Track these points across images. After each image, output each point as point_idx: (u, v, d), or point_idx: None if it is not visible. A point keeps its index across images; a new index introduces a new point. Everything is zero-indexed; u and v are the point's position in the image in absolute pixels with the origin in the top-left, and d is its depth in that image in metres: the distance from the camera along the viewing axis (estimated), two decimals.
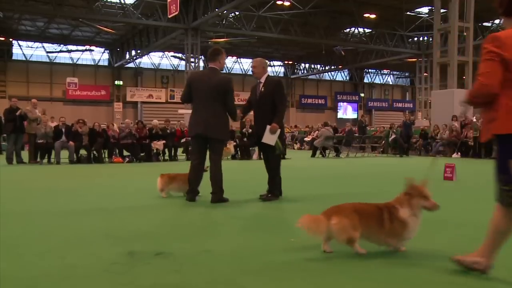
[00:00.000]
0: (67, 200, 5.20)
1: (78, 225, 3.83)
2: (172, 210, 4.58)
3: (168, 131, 13.29)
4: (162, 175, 5.43)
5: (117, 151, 12.46)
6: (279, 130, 4.97)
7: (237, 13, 24.81)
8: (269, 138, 4.99)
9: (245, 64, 38.13)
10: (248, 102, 5.33)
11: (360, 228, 2.76)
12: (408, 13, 26.33)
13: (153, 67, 35.41)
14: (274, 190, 5.09)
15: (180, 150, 13.59)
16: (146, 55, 33.37)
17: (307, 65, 40.27)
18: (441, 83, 18.50)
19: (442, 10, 18.53)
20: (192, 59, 24.75)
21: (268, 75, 5.18)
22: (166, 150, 13.11)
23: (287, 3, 24.35)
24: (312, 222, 2.76)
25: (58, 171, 9.31)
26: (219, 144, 4.96)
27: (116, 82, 34.00)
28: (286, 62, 40.34)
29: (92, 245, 3.13)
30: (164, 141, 12.86)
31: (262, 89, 5.09)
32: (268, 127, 4.98)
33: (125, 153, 12.53)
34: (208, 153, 4.98)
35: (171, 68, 35.86)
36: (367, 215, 2.80)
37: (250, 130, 13.66)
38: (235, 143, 13.69)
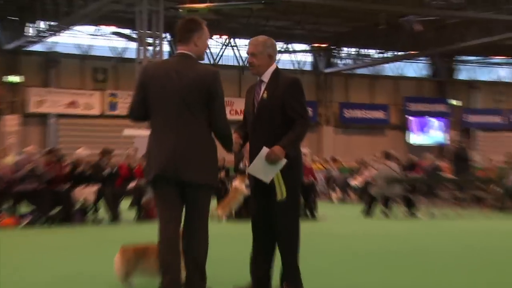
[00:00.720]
0: None
1: None
2: None
3: (105, 169, 13.45)
4: (124, 250, 5.62)
5: (11, 203, 12.59)
6: (284, 161, 5.16)
7: None
8: (262, 169, 5.20)
9: (244, 50, 38.57)
10: (244, 118, 5.61)
11: None
12: None
13: (78, 52, 35.86)
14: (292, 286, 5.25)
15: (125, 202, 13.72)
16: (65, 31, 33.62)
17: (352, 51, 40.83)
18: None
19: None
20: (150, 39, 25.21)
21: (278, 68, 5.41)
22: (101, 202, 13.24)
23: None
24: None
25: None
26: (203, 192, 5.08)
27: (9, 78, 34.24)
28: (316, 45, 40.94)
29: None
30: (96, 187, 13.00)
31: (265, 94, 5.36)
32: (264, 150, 5.18)
33: (25, 207, 12.81)
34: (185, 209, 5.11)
35: (112, 55, 36.30)
36: None
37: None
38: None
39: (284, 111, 5.24)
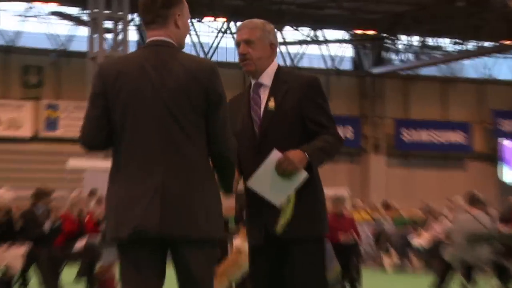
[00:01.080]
0: None
1: None
2: None
3: (40, 221, 13.41)
4: None
5: None
6: (304, 174, 5.15)
7: None
8: (270, 183, 5.24)
9: None
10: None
11: None
12: None
13: (2, 43, 36.23)
14: None
15: (70, 271, 13.74)
16: None
17: (415, 41, 41.05)
18: None
19: None
20: (108, 23, 25.19)
21: (280, 66, 5.53)
22: (32, 270, 13.24)
23: None
24: None
25: None
26: (205, 253, 5.01)
27: None
28: (359, 32, 41.35)
29: None
30: (25, 247, 12.98)
31: (271, 103, 5.38)
32: (274, 154, 5.16)
33: None
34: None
35: (50, 47, 36.68)
36: None
37: None
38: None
39: (302, 126, 5.32)
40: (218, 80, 4.92)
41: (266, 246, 5.36)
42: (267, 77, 5.44)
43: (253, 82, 5.52)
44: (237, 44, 5.55)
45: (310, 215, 5.33)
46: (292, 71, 5.65)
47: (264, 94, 5.40)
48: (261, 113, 5.37)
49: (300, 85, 5.35)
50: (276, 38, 5.62)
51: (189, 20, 5.19)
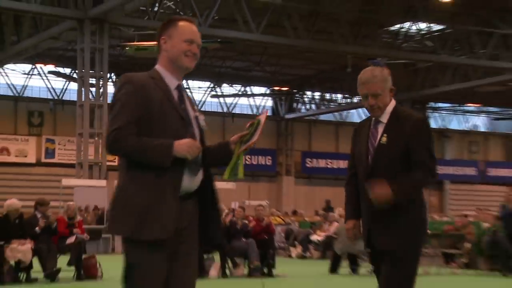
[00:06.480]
0: None
1: None
2: None
3: (40, 223, 13.22)
4: None
5: None
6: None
7: None
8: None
9: (198, 93, 38.70)
10: (354, 167, 5.10)
11: None
12: None
13: (10, 94, 35.68)
14: None
15: (62, 259, 13.51)
16: None
17: (317, 95, 41.23)
18: None
19: None
20: (92, 80, 25.04)
21: (397, 104, 4.96)
22: (34, 260, 12.98)
23: None
24: None
25: None
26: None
27: None
28: (276, 88, 41.25)
29: None
30: (31, 244, 12.74)
31: (384, 139, 4.84)
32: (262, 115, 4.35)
33: None
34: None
35: (49, 97, 36.19)
36: None
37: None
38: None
39: (406, 159, 4.72)
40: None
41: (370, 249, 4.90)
42: (385, 115, 4.86)
43: (371, 121, 4.98)
44: (363, 95, 4.99)
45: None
46: (406, 111, 4.96)
47: (380, 129, 4.85)
48: (375, 145, 4.82)
49: (411, 125, 4.73)
50: (391, 84, 5.00)
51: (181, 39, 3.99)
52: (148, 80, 3.87)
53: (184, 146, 3.71)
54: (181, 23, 4.00)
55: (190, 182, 3.86)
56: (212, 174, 4.10)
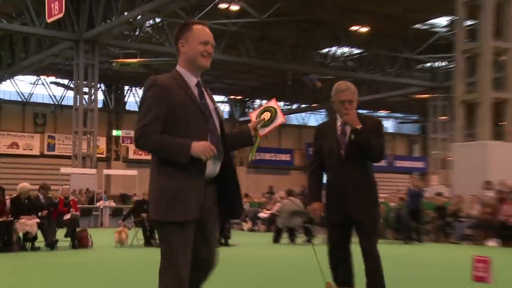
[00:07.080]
0: None
1: None
2: None
3: (42, 200, 13.08)
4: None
5: None
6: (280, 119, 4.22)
7: (157, 20, 25.36)
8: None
9: None
10: (319, 159, 5.12)
11: None
12: (417, 26, 27.34)
13: (19, 99, 35.23)
14: None
15: (60, 231, 13.34)
16: (7, 79, 33.02)
17: (264, 102, 41.24)
18: (468, 131, 17.75)
19: (468, 22, 17.91)
20: (85, 89, 24.86)
21: (358, 111, 5.04)
22: (38, 232, 12.80)
23: (235, 7, 25.05)
24: None
25: None
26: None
27: None
28: (232, 97, 41.28)
29: None
30: (37, 219, 12.56)
31: (353, 136, 4.94)
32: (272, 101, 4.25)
33: None
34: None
35: (51, 102, 35.85)
36: None
37: None
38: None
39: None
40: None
41: (344, 222, 4.91)
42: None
43: (338, 121, 5.02)
44: (342, 102, 4.94)
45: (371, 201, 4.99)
46: (365, 116, 5.14)
47: (348, 129, 4.91)
48: (346, 142, 4.91)
49: (371, 124, 4.94)
50: None
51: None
52: (171, 81, 3.59)
53: (200, 148, 3.43)
54: (195, 27, 3.67)
55: (213, 168, 3.63)
56: (232, 157, 3.92)
